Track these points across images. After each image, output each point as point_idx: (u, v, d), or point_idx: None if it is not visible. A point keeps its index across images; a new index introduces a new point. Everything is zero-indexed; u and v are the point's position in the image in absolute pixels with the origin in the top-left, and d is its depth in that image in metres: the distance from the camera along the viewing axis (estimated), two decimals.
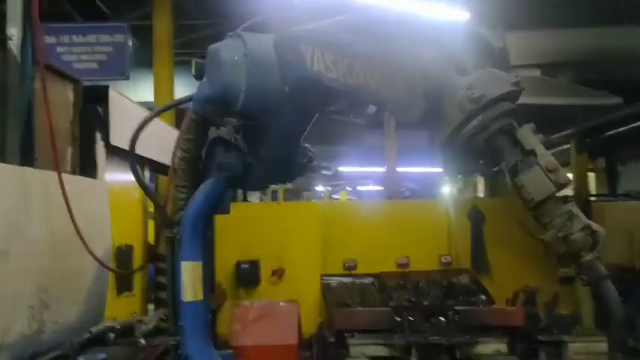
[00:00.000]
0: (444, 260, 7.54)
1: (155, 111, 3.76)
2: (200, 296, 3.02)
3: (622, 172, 11.98)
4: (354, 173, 18.56)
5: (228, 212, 3.24)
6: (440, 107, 2.10)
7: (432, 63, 2.08)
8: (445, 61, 2.14)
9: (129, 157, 3.08)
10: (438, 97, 2.08)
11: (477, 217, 7.75)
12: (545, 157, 2.08)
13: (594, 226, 2.03)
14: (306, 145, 3.16)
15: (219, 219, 3.46)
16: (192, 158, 3.02)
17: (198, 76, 2.86)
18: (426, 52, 2.11)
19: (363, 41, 2.20)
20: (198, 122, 2.94)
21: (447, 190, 19.02)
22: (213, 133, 3.01)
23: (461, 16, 5.90)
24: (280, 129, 2.87)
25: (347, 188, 22.22)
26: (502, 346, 5.33)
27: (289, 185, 16.54)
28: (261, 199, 13.93)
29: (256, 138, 2.97)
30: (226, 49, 2.71)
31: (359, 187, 22.34)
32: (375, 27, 2.25)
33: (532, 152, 2.09)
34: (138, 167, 3.21)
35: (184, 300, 2.98)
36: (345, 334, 5.47)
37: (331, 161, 16.56)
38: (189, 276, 2.99)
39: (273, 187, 13.76)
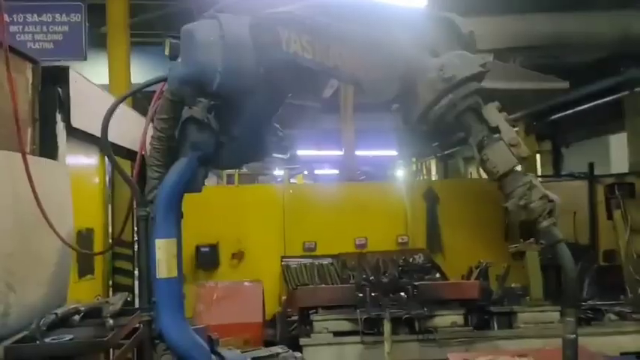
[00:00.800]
0: (400, 240, 7.79)
1: (127, 92, 3.76)
2: (174, 273, 3.08)
3: (565, 154, 12.56)
4: (310, 157, 18.61)
5: (200, 191, 3.30)
6: (412, 87, 2.23)
7: (407, 45, 2.21)
8: (418, 43, 2.26)
9: (101, 139, 3.08)
10: (411, 77, 2.21)
11: (432, 198, 8.00)
12: (509, 132, 2.25)
13: (551, 195, 2.23)
14: (275, 124, 3.25)
15: None
16: (167, 138, 3.06)
17: (173, 57, 2.88)
18: (401, 35, 2.22)
19: (339, 23, 2.29)
20: (172, 102, 2.98)
21: (400, 172, 19.35)
22: (186, 112, 3.04)
23: (418, 3, 6.06)
24: (253, 109, 2.93)
25: (304, 172, 22.25)
26: (458, 318, 5.61)
27: (244, 169, 16.47)
28: (218, 183, 13.85)
29: (229, 117, 3.02)
30: (202, 30, 2.74)
31: (316, 171, 22.39)
32: (349, 10, 2.34)
33: (496, 129, 2.26)
34: (110, 148, 3.22)
35: (159, 277, 3.04)
36: (310, 311, 5.61)
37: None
38: (164, 253, 3.05)
39: (228, 171, 13.69)
